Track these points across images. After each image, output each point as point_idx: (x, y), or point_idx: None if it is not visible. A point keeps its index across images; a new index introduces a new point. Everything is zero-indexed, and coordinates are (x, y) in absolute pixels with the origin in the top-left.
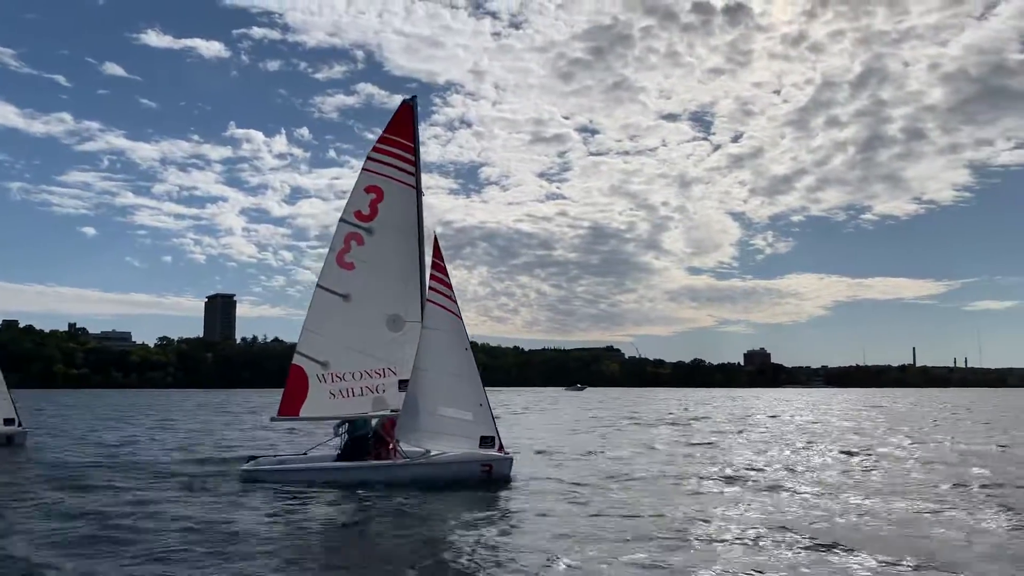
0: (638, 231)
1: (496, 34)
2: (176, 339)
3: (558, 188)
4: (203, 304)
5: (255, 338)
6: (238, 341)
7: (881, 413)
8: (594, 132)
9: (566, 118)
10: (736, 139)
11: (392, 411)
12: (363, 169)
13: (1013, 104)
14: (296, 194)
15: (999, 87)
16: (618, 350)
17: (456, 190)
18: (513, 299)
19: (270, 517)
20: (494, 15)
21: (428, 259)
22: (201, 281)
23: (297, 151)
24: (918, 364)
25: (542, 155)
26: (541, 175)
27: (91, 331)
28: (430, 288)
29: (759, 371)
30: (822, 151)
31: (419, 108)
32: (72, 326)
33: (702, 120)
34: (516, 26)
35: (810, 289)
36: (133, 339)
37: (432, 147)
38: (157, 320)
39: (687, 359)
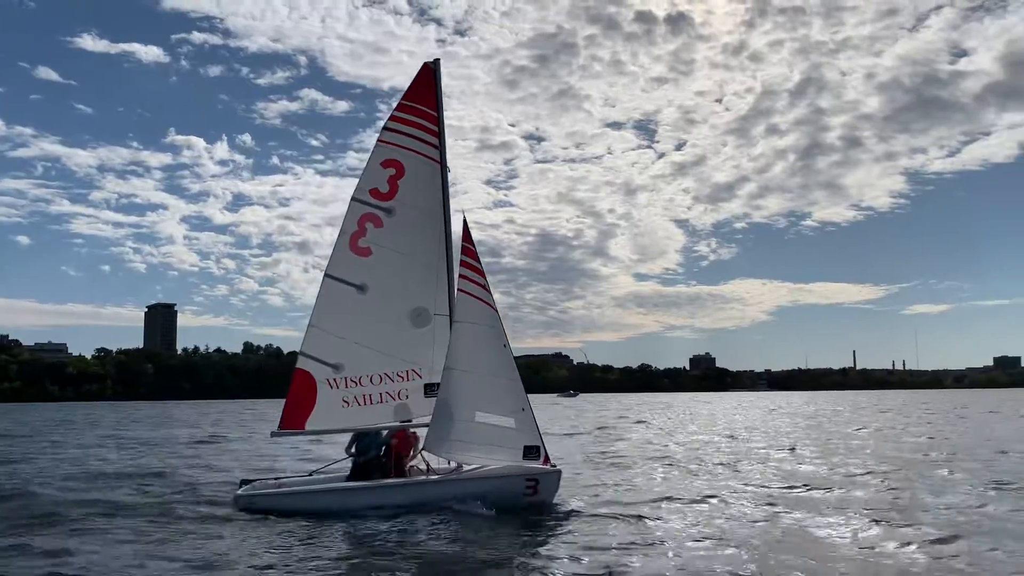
0: (585, 238)
1: (441, 41)
2: (115, 350)
3: (505, 195)
4: (143, 314)
5: (196, 348)
6: (179, 351)
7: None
8: (540, 140)
9: (512, 125)
10: (679, 147)
11: (411, 421)
12: (379, 141)
13: (944, 114)
14: (239, 201)
15: (931, 97)
16: (567, 356)
17: None
18: None
19: (277, 554)
20: (439, 22)
21: (456, 243)
22: (141, 290)
23: (239, 158)
24: (858, 367)
25: (489, 162)
26: (488, 182)
27: (24, 343)
28: (460, 276)
29: (704, 375)
30: (763, 159)
31: (364, 114)
32: (4, 338)
33: (646, 128)
34: (461, 33)
35: (753, 294)
36: (69, 350)
37: None
38: (95, 331)
39: (634, 364)
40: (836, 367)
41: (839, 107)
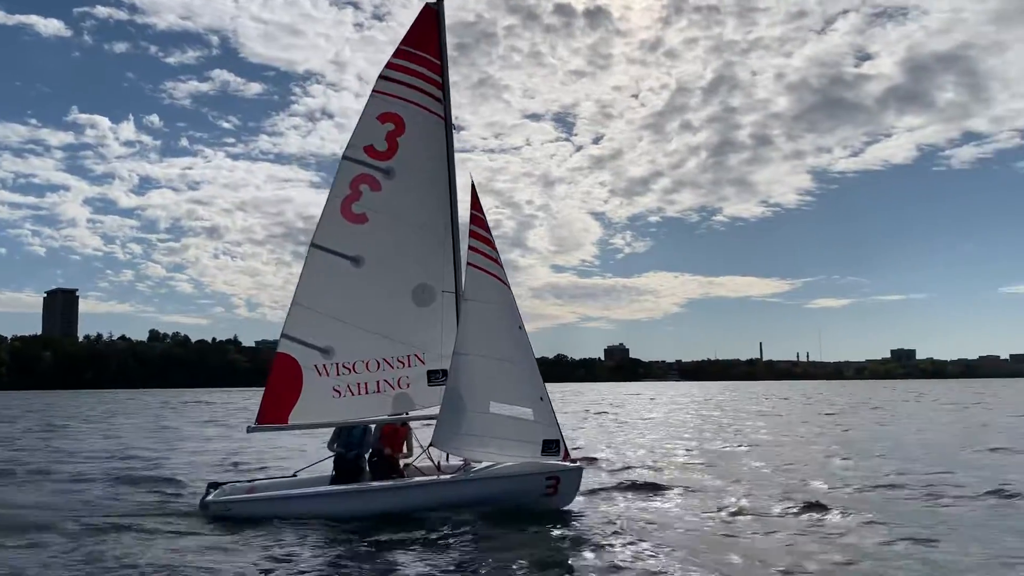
0: (504, 229)
1: (359, 25)
2: (10, 337)
3: None
4: (42, 300)
5: (100, 336)
6: (80, 339)
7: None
8: (459, 129)
9: None
10: (597, 141)
11: (408, 414)
12: (375, 92)
13: (849, 114)
14: (145, 184)
15: (837, 98)
16: None
17: (319, 184)
18: None
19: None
20: (356, 6)
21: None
22: (40, 275)
23: (146, 139)
24: (765, 358)
25: None
26: None
27: None
28: (470, 248)
29: (618, 366)
30: (677, 155)
31: (278, 97)
32: None
33: (565, 121)
34: (379, 18)
35: (666, 287)
36: None
37: (292, 138)
38: None
39: (551, 355)
40: (744, 358)
41: (750, 105)
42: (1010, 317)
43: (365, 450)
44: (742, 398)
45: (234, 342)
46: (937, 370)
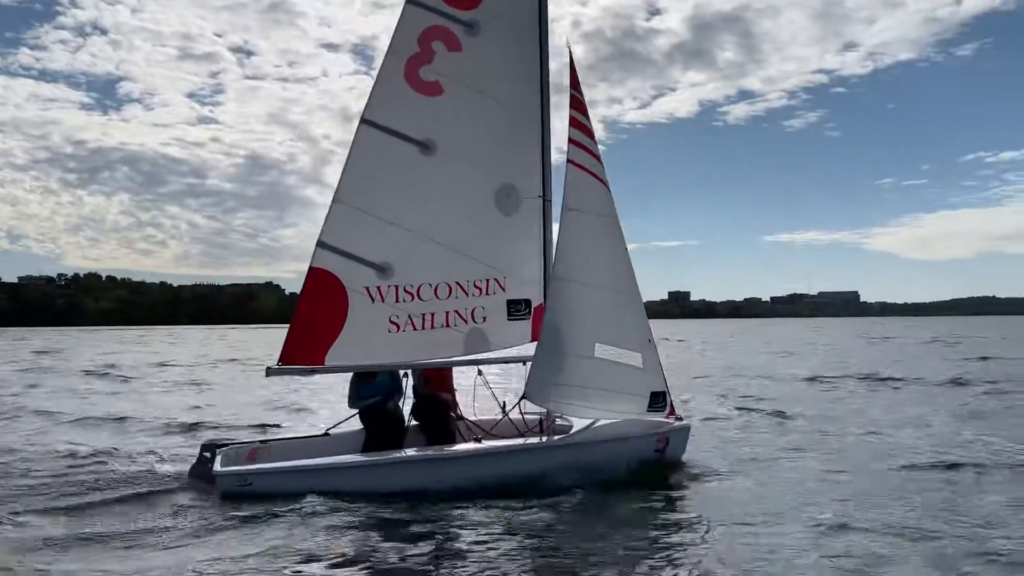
0: (299, 163)
1: None
2: None
3: (211, 112)
4: None
5: None
6: None
7: None
8: (250, 54)
9: (218, 35)
10: None
11: (481, 357)
12: None
13: (639, 67)
14: None
15: (628, 50)
16: (278, 286)
17: (89, 105)
18: (161, 230)
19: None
20: None
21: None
22: None
23: None
24: None
25: (192, 74)
26: (191, 96)
27: None
28: (570, 140)
29: None
30: None
31: (41, 6)
32: None
33: (364, 54)
34: None
35: None
36: None
37: (58, 53)
38: None
39: None
40: None
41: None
42: (771, 263)
43: (398, 398)
44: None
45: None
46: (708, 310)
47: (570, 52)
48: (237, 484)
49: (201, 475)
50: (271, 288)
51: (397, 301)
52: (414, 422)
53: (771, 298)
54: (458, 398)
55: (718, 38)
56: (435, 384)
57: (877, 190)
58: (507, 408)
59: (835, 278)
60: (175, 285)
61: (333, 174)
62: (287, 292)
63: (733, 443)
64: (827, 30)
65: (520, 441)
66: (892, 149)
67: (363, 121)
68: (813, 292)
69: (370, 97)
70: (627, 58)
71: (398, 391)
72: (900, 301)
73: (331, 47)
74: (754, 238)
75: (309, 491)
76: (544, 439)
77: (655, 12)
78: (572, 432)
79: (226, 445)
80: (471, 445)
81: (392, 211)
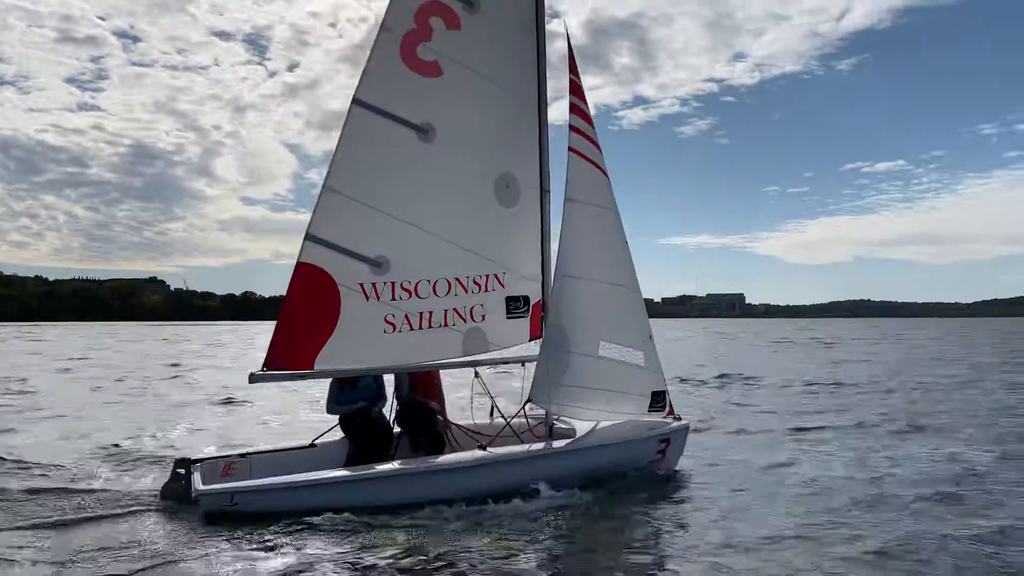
0: (188, 154)
1: None
2: None
3: (92, 98)
4: None
5: None
6: None
7: None
8: (136, 39)
9: (101, 19)
10: (292, 68)
11: (471, 356)
12: None
13: None
14: None
15: None
16: (162, 281)
17: None
18: (37, 221)
19: None
20: None
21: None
22: None
23: None
24: None
25: (72, 58)
26: (71, 80)
27: None
28: (571, 128)
29: None
30: None
31: None
32: None
33: (257, 44)
34: None
35: None
36: None
37: None
38: None
39: (238, 292)
40: None
41: None
42: (664, 265)
43: (383, 404)
44: None
45: None
46: None
47: (567, 36)
48: (221, 503)
49: (176, 493)
50: (154, 283)
51: (393, 299)
52: (397, 430)
53: (662, 299)
54: (451, 401)
55: (614, 43)
56: (421, 389)
57: (763, 196)
58: (503, 412)
59: (723, 280)
60: (50, 279)
61: (223, 167)
62: (172, 288)
63: None
64: (718, 40)
65: (523, 448)
66: (777, 157)
67: (356, 101)
68: (702, 294)
69: (363, 75)
70: None
71: (382, 397)
72: (783, 303)
73: (223, 35)
74: (648, 240)
75: (300, 509)
76: (546, 446)
77: (553, 15)
78: (576, 437)
79: (201, 460)
80: (477, 453)
81: (388, 201)
